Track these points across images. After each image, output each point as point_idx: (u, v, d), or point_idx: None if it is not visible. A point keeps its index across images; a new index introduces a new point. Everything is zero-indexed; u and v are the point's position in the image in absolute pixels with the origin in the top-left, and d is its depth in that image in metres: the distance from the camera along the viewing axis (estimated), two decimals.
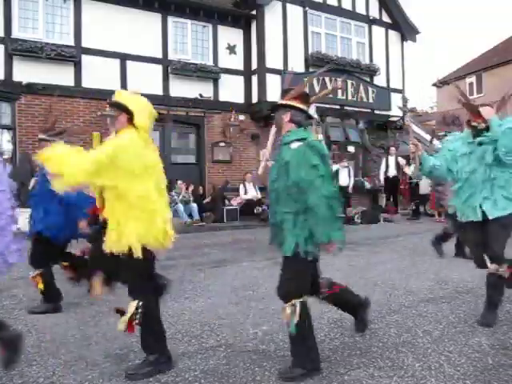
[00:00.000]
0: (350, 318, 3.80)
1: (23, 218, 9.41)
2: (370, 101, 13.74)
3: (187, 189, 11.24)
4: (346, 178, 11.79)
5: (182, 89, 11.56)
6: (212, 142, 12.24)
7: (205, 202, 11.46)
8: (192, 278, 5.34)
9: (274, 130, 3.13)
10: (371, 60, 14.13)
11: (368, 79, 13.96)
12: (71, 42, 10.41)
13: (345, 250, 5.40)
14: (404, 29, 14.64)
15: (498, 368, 2.78)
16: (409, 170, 12.09)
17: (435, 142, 12.87)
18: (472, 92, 23.77)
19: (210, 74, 11.94)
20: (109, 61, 10.76)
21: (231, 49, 12.38)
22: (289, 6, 12.58)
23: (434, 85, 26.37)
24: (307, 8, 12.88)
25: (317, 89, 12.74)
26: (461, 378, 2.67)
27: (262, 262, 6.29)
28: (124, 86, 10.86)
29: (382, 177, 13.08)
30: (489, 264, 3.48)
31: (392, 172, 12.64)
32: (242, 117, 12.51)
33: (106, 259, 2.78)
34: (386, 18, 14.54)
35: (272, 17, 12.34)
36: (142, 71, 11.02)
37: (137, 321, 2.72)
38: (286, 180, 2.67)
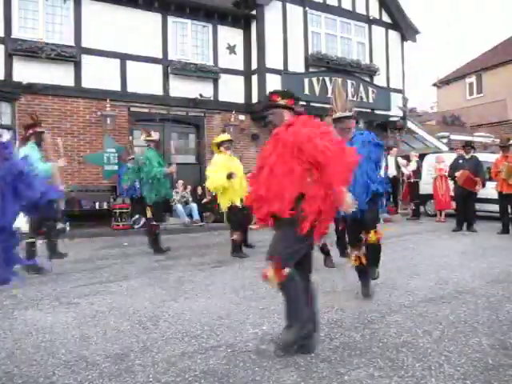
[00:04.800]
0: (350, 317, 3.81)
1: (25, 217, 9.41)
2: (370, 101, 13.75)
3: (185, 189, 11.24)
4: None
5: (182, 89, 11.56)
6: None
7: (204, 201, 11.47)
8: (192, 278, 5.34)
9: None
10: (371, 60, 14.13)
11: (368, 79, 13.97)
12: (71, 42, 10.42)
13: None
14: (404, 29, 14.65)
15: (498, 368, 2.78)
16: (406, 170, 12.09)
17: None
18: (472, 92, 23.78)
19: (210, 74, 11.95)
20: (109, 61, 10.76)
21: (231, 49, 12.38)
22: (289, 5, 12.58)
23: (434, 85, 26.36)
24: (307, 8, 12.89)
25: (317, 89, 12.79)
26: (461, 377, 2.67)
27: (262, 262, 6.29)
28: (124, 85, 10.88)
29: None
30: None
31: (392, 172, 12.64)
32: (242, 117, 12.51)
33: None
34: (386, 18, 14.55)
35: (272, 17, 12.34)
36: (141, 71, 11.02)
37: None
38: None
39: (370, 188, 4.20)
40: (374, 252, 4.46)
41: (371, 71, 14.00)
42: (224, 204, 6.64)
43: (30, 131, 5.91)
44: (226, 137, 7.04)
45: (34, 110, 10.06)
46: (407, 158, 12.57)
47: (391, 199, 13.06)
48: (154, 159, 7.00)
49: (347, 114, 4.22)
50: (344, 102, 4.25)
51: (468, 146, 9.89)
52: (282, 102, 3.06)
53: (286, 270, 2.84)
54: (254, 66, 12.43)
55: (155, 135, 7.44)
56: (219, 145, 6.85)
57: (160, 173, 6.92)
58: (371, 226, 4.38)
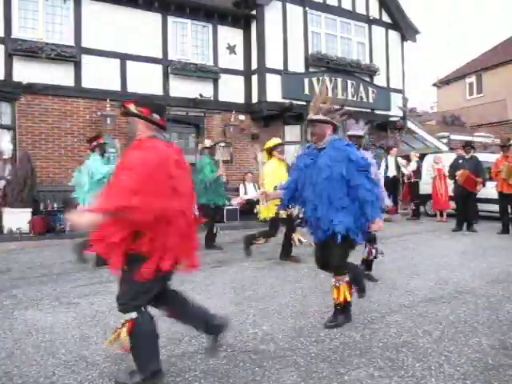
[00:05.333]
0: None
1: (25, 217, 9.39)
2: (370, 101, 13.73)
3: None
4: None
5: (182, 89, 11.56)
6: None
7: None
8: (192, 278, 5.33)
9: None
10: (371, 60, 14.13)
11: (368, 79, 13.96)
12: (71, 42, 10.41)
13: None
14: (404, 29, 14.64)
15: (498, 368, 2.79)
16: (406, 170, 12.08)
17: None
18: (472, 92, 23.78)
19: (210, 74, 11.94)
20: (109, 61, 10.76)
21: (231, 49, 12.38)
22: (289, 5, 12.57)
23: (434, 85, 26.37)
24: (307, 8, 12.88)
25: (317, 89, 12.77)
26: (461, 377, 2.67)
27: (262, 262, 6.31)
28: (124, 86, 10.87)
29: (381, 177, 13.03)
30: None
31: (392, 172, 12.67)
32: (241, 117, 12.51)
33: None
34: (386, 18, 14.54)
35: (272, 17, 12.33)
36: (141, 71, 11.02)
37: None
38: None
39: (332, 222, 3.37)
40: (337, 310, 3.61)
41: (371, 71, 13.99)
42: (269, 213, 6.03)
43: (95, 143, 6.51)
44: (278, 140, 6.50)
45: (34, 110, 10.09)
46: (407, 158, 12.57)
47: (391, 199, 13.07)
48: (206, 166, 7.36)
49: (317, 117, 3.51)
50: (319, 103, 3.57)
51: (468, 145, 9.89)
52: (134, 110, 2.70)
53: (133, 315, 2.52)
54: (254, 65, 12.42)
55: (208, 142, 7.79)
56: (271, 149, 6.31)
57: (210, 178, 7.29)
58: (335, 270, 3.52)
